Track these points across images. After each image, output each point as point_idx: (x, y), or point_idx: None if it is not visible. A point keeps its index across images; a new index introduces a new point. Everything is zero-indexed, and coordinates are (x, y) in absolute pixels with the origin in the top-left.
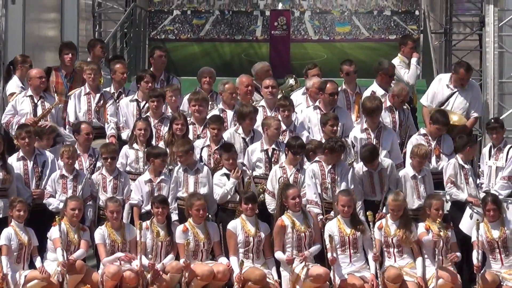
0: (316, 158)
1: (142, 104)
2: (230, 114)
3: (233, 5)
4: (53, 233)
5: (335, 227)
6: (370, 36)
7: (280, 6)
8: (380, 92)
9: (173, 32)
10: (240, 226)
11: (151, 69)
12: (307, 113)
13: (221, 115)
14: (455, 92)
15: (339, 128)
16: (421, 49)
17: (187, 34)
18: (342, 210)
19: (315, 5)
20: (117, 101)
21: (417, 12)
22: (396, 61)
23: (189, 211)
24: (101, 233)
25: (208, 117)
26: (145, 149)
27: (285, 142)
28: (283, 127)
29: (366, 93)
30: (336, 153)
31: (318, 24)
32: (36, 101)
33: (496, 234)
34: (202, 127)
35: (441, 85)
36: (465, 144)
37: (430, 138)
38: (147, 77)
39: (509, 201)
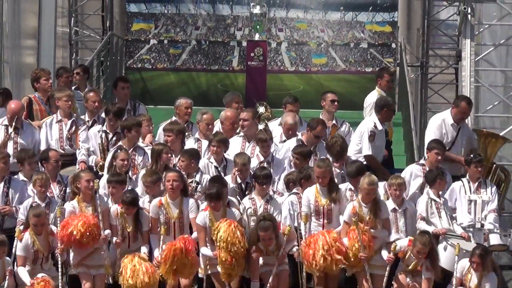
0: (294, 190)
1: (110, 136)
2: (205, 144)
3: (210, 35)
4: (17, 249)
5: (312, 195)
6: (347, 68)
7: (257, 37)
8: (379, 127)
9: (149, 61)
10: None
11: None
12: (289, 146)
13: (196, 144)
14: (460, 127)
15: None
16: (397, 82)
17: (164, 64)
18: (317, 181)
19: (292, 36)
20: (90, 129)
21: (393, 45)
22: (373, 94)
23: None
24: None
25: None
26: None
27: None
28: (261, 158)
29: (365, 126)
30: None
31: (294, 55)
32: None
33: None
34: (178, 158)
35: (446, 125)
36: (435, 177)
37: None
38: (110, 115)
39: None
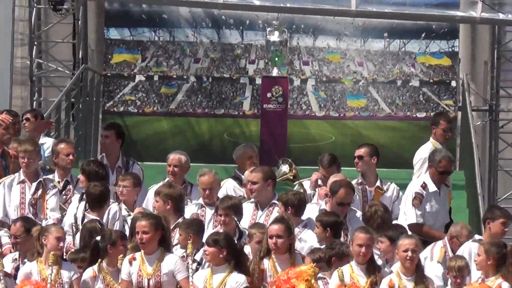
0: (320, 274)
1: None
2: (209, 212)
3: (214, 70)
4: None
5: (347, 275)
6: (392, 113)
7: (275, 72)
8: (431, 188)
9: (134, 103)
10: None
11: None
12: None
13: (199, 212)
14: None
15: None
16: (458, 131)
17: (153, 107)
18: (358, 252)
19: (320, 71)
20: (63, 192)
21: (453, 83)
22: (426, 147)
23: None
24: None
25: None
26: None
27: None
28: None
29: (411, 188)
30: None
31: (324, 96)
32: None
33: None
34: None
35: None
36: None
37: None
38: (81, 177)
39: None
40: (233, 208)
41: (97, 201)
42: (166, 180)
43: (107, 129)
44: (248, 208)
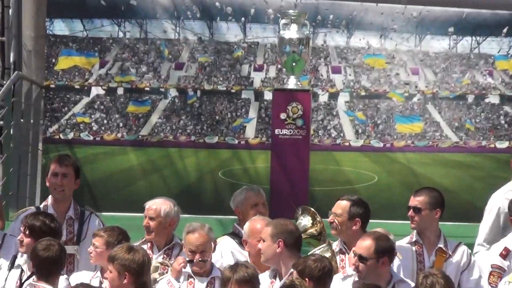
0: None
1: (26, 275)
2: (200, 285)
3: (204, 80)
4: None
5: None
6: (461, 143)
7: (292, 82)
8: None
9: (89, 127)
10: None
11: (49, 200)
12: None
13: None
14: None
15: None
16: None
17: (117, 132)
18: None
19: (357, 82)
20: None
21: None
22: (503, 192)
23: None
24: None
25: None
26: None
27: None
28: None
29: (490, 255)
30: None
31: (363, 117)
32: None
33: None
34: None
35: None
36: None
37: None
38: (23, 236)
39: None
40: (252, 280)
41: (52, 266)
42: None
43: (63, 162)
44: (263, 279)
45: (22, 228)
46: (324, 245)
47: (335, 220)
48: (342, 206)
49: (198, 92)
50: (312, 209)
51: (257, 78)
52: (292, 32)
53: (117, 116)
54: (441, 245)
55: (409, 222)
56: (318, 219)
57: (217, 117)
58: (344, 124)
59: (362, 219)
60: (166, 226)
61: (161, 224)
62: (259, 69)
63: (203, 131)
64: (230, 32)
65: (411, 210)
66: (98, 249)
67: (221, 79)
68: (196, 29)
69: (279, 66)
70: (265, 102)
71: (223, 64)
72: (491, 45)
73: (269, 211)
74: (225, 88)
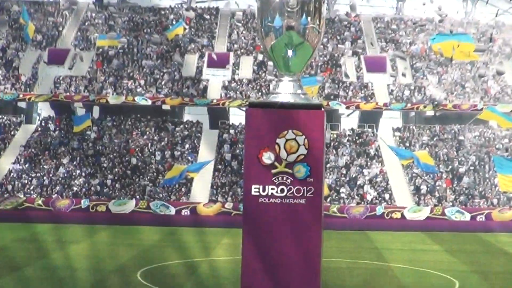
0: None
1: None
2: None
3: (109, 86)
4: None
5: None
6: None
7: (287, 88)
8: None
9: None
10: None
11: None
12: None
13: None
14: None
15: None
16: None
17: None
18: None
19: (419, 89)
20: None
21: None
22: None
23: None
24: None
25: None
26: None
27: None
28: None
29: None
30: None
31: (429, 162)
32: None
33: None
34: None
35: None
36: None
37: None
38: None
39: None
40: None
41: None
42: None
43: None
44: None
45: None
46: None
47: None
48: None
49: (96, 111)
50: None
51: (214, 81)
52: None
53: None
54: None
55: None
56: None
57: (132, 161)
58: (393, 175)
59: None
60: None
61: None
62: (219, 63)
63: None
64: None
65: None
66: None
67: (142, 83)
68: None
69: (261, 56)
70: (232, 131)
71: (146, 54)
72: None
73: None
74: (149, 102)
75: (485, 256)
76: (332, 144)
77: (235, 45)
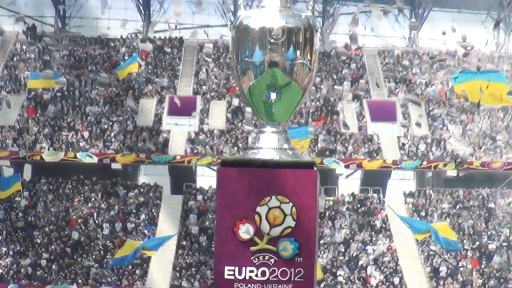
0: None
1: None
2: None
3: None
4: None
5: None
6: None
7: (270, 141)
8: None
9: None
10: None
11: None
12: None
13: None
14: None
15: None
16: None
17: None
18: None
19: (438, 142)
20: None
21: None
22: None
23: None
24: None
25: None
26: None
27: None
28: None
29: None
30: None
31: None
32: None
33: None
34: None
35: None
36: None
37: None
38: None
39: None
40: None
41: None
42: None
43: None
44: None
45: None
46: None
47: None
48: None
49: (27, 171)
50: None
51: (177, 133)
52: (268, 12)
53: None
54: None
55: None
56: None
57: (74, 236)
58: (404, 253)
59: None
60: None
61: None
62: (183, 109)
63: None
64: (113, 14)
65: None
66: None
67: (86, 135)
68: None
69: (236, 101)
70: (199, 197)
71: (90, 98)
72: None
73: None
74: (95, 160)
75: None
76: (327, 214)
77: (204, 87)
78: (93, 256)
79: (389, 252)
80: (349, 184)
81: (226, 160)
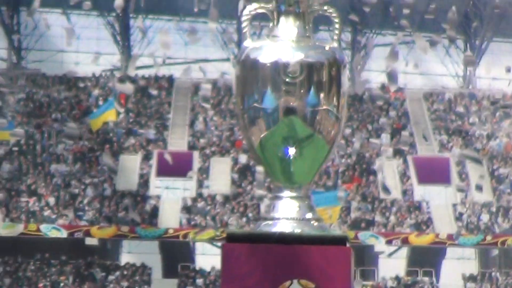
0: None
1: None
2: None
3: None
4: None
5: None
6: None
7: (288, 208)
8: None
9: None
10: None
11: None
12: None
13: None
14: None
15: None
16: None
17: None
18: None
19: None
20: None
21: None
22: None
23: None
24: None
25: None
26: None
27: None
28: None
29: None
30: None
31: None
32: None
33: None
34: None
35: None
36: None
37: None
38: None
39: None
40: None
41: None
42: None
43: None
44: None
45: None
46: None
47: None
48: None
49: None
50: None
51: (169, 199)
52: (282, 43)
53: None
54: None
55: None
56: None
57: None
58: None
59: None
60: None
61: None
62: (176, 169)
63: None
64: (82, 46)
65: None
66: None
67: (51, 202)
68: None
69: (244, 158)
70: (199, 280)
71: (56, 154)
72: None
73: None
74: (64, 234)
75: None
76: None
77: (202, 140)
78: None
79: None
80: (392, 265)
81: (233, 234)
